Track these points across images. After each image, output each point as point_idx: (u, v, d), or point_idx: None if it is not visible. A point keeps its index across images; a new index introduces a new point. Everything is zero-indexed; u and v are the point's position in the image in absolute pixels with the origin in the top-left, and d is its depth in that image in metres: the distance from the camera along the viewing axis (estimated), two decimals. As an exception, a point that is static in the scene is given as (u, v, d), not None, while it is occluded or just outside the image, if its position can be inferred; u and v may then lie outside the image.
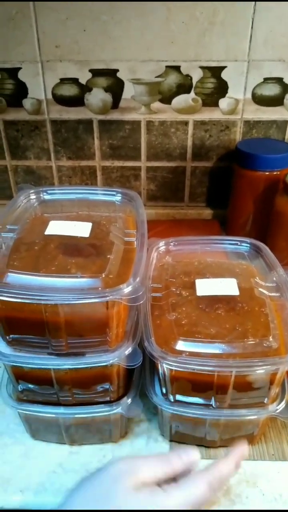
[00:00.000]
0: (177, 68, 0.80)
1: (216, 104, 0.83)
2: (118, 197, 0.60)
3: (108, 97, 0.83)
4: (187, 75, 0.81)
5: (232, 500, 0.49)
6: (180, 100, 0.83)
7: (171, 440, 0.55)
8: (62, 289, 0.44)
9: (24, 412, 0.52)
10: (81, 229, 0.51)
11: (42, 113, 0.85)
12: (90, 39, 0.77)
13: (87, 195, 0.61)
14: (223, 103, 0.83)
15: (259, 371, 0.46)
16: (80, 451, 0.54)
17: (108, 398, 0.51)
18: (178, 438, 0.54)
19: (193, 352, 0.46)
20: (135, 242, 0.51)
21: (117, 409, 0.50)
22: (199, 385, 0.48)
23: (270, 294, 0.53)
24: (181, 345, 0.47)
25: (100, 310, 0.45)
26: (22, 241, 0.50)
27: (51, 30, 0.77)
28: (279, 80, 0.81)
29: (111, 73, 0.81)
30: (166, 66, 0.80)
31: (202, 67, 0.80)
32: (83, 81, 0.82)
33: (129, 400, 0.51)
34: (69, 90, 0.83)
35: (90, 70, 0.81)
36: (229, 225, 0.88)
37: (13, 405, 0.51)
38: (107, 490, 0.39)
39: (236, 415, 0.49)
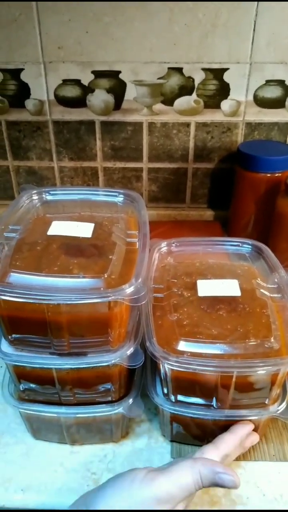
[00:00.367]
0: (179, 70, 0.80)
1: (218, 106, 0.84)
2: (120, 198, 0.60)
3: (110, 99, 0.83)
4: (189, 77, 0.81)
5: (233, 500, 0.49)
6: (182, 102, 0.83)
7: (172, 441, 0.55)
8: (64, 289, 0.44)
9: (26, 411, 0.52)
10: (84, 230, 0.52)
11: (44, 114, 0.85)
12: (93, 40, 0.78)
13: (89, 196, 0.61)
14: (225, 105, 0.83)
15: (260, 372, 0.46)
16: (81, 450, 0.54)
17: (109, 398, 0.51)
18: (179, 439, 0.54)
19: (194, 352, 0.47)
20: (137, 243, 0.52)
21: (119, 409, 0.50)
22: (201, 385, 0.48)
23: (271, 295, 0.53)
24: (182, 346, 0.47)
25: (102, 310, 0.45)
26: (25, 241, 0.50)
27: (54, 32, 0.77)
28: (281, 82, 0.81)
29: (114, 74, 0.81)
30: (169, 68, 0.80)
31: (204, 69, 0.80)
32: (85, 82, 0.82)
33: (131, 400, 0.51)
34: (72, 91, 0.83)
35: (93, 72, 0.81)
36: (230, 227, 0.88)
37: (14, 405, 0.51)
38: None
39: (237, 415, 0.49)
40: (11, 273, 0.45)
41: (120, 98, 0.83)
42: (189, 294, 0.53)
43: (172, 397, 0.50)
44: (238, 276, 0.56)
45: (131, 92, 0.83)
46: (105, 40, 0.78)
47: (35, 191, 0.60)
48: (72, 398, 0.51)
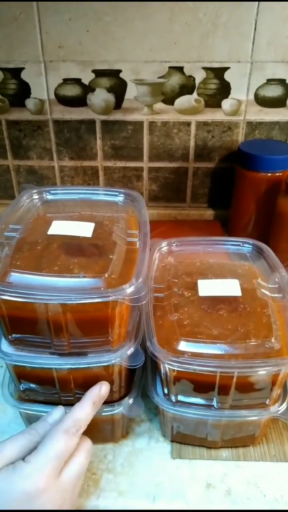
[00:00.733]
0: (180, 69, 0.80)
1: (218, 105, 0.83)
2: (120, 198, 0.60)
3: (110, 98, 0.83)
4: (190, 76, 0.81)
5: (233, 500, 0.49)
6: (183, 101, 0.83)
7: (172, 441, 0.55)
8: (65, 289, 0.44)
9: (26, 411, 0.52)
10: (84, 229, 0.51)
11: (45, 113, 0.85)
12: (94, 39, 0.78)
13: (90, 195, 0.61)
14: (226, 104, 0.83)
15: (261, 372, 0.46)
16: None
17: (109, 398, 0.51)
18: (179, 439, 0.54)
19: (195, 352, 0.46)
20: (138, 243, 0.51)
21: (119, 409, 0.50)
22: (201, 385, 0.48)
23: (272, 295, 0.53)
24: (183, 346, 0.47)
25: (103, 310, 0.45)
26: (25, 241, 0.50)
27: (54, 31, 0.77)
28: (282, 82, 0.81)
29: (114, 73, 0.81)
30: (169, 67, 0.80)
31: (205, 68, 0.80)
32: (86, 81, 0.82)
33: (131, 400, 0.51)
34: (72, 91, 0.83)
35: (93, 71, 0.81)
36: (231, 226, 0.88)
37: (14, 405, 0.51)
38: None
39: (237, 416, 0.49)
40: (12, 273, 0.45)
41: (120, 97, 0.83)
42: (189, 294, 0.53)
43: (173, 397, 0.50)
44: (239, 276, 0.56)
45: (131, 91, 0.82)
46: (105, 39, 0.78)
47: (35, 191, 0.60)
48: (72, 398, 0.50)
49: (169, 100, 0.83)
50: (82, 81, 0.82)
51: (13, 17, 0.76)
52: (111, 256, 0.48)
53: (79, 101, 0.84)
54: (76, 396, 0.50)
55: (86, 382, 0.49)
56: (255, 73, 0.80)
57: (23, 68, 0.81)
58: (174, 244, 0.62)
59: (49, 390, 0.50)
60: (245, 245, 0.61)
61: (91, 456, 0.46)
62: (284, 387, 0.51)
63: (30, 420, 0.53)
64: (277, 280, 0.54)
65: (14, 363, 0.48)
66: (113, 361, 0.47)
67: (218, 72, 0.80)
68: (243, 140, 0.87)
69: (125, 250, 0.50)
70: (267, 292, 0.53)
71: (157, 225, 0.88)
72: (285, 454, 0.53)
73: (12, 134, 0.88)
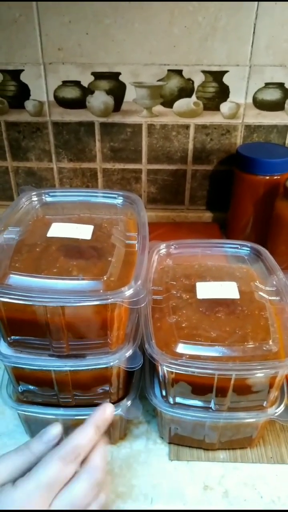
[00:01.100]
0: (179, 72, 0.80)
1: (217, 108, 0.84)
2: (119, 200, 0.60)
3: (110, 100, 0.83)
4: (189, 79, 0.81)
5: (231, 502, 0.49)
6: (182, 104, 0.83)
7: (170, 442, 0.55)
8: (64, 291, 0.44)
9: (24, 413, 0.52)
10: (83, 232, 0.52)
11: (44, 115, 0.85)
12: (93, 42, 0.78)
13: (89, 197, 0.62)
14: (224, 107, 0.84)
15: (259, 375, 0.46)
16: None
17: (108, 400, 0.51)
18: (177, 440, 0.54)
19: (193, 355, 0.47)
20: (136, 245, 0.52)
21: (117, 411, 0.50)
22: (199, 387, 0.48)
23: (270, 298, 0.53)
24: (181, 348, 0.47)
25: (101, 313, 0.45)
26: (24, 243, 0.50)
27: (54, 33, 0.77)
28: (280, 85, 0.81)
29: (114, 76, 0.81)
30: (168, 70, 0.80)
31: (204, 72, 0.80)
32: (85, 83, 0.82)
33: (129, 402, 0.51)
34: (71, 93, 0.83)
35: (93, 73, 0.81)
36: (229, 229, 0.89)
37: (13, 406, 0.51)
38: None
39: (235, 418, 0.50)
40: (11, 275, 0.45)
41: (119, 99, 0.83)
42: (188, 296, 0.53)
43: (171, 399, 0.50)
44: (237, 278, 0.56)
45: (130, 94, 0.83)
46: (105, 41, 0.78)
47: (34, 193, 0.60)
48: (70, 400, 0.51)
49: (168, 103, 0.84)
50: (82, 83, 0.82)
51: (13, 19, 0.76)
52: (110, 259, 0.48)
53: (78, 103, 0.84)
54: (75, 398, 0.50)
55: (84, 384, 0.50)
56: (253, 76, 0.80)
57: (22, 70, 0.81)
58: (173, 247, 0.62)
59: (47, 392, 0.50)
60: (243, 248, 0.62)
61: (98, 482, 0.39)
62: (281, 389, 0.51)
63: (28, 421, 0.53)
64: (274, 283, 0.55)
65: (13, 365, 0.48)
66: (111, 363, 0.47)
67: (217, 76, 0.81)
68: (242, 143, 0.87)
69: (124, 252, 0.50)
70: (264, 295, 0.53)
71: (155, 227, 0.88)
72: (282, 456, 0.53)
73: (11, 135, 0.88)
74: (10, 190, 0.94)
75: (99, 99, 0.83)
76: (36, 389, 0.51)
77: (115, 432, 0.54)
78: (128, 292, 0.44)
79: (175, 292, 0.54)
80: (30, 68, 0.81)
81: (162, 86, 0.82)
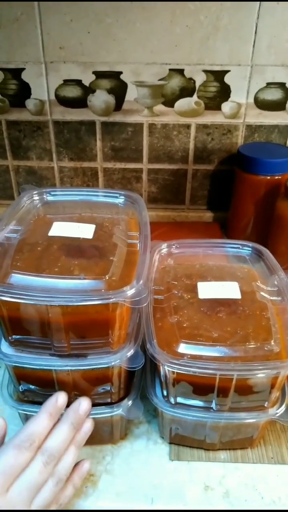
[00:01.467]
0: (180, 72, 0.80)
1: (218, 108, 0.84)
2: (121, 199, 0.60)
3: (111, 99, 0.83)
4: (190, 79, 0.81)
5: (231, 502, 0.49)
6: (183, 103, 0.83)
7: (170, 442, 0.55)
8: (65, 290, 0.44)
9: (25, 412, 0.52)
10: (85, 231, 0.52)
11: (45, 114, 0.85)
12: (95, 41, 0.78)
13: (90, 196, 0.61)
14: (226, 107, 0.83)
15: (260, 375, 0.46)
16: (80, 452, 0.54)
17: (109, 400, 0.51)
18: (178, 440, 0.54)
19: (194, 355, 0.47)
20: (138, 245, 0.52)
21: (118, 411, 0.50)
22: (200, 388, 0.48)
23: (271, 298, 0.53)
24: (183, 348, 0.47)
25: (103, 312, 0.45)
26: (26, 242, 0.50)
27: (55, 32, 0.77)
28: (281, 85, 0.81)
29: (115, 75, 0.81)
30: (170, 69, 0.80)
31: (205, 71, 0.80)
32: (86, 82, 0.82)
33: (130, 402, 0.51)
34: (72, 92, 0.83)
35: (94, 72, 0.81)
36: (230, 228, 0.88)
37: (13, 406, 0.51)
38: None
39: (236, 418, 0.50)
40: (12, 274, 0.45)
41: (121, 99, 0.83)
42: (189, 296, 0.53)
43: (172, 399, 0.50)
44: (238, 278, 0.56)
45: (132, 93, 0.83)
46: (106, 41, 0.78)
47: (35, 192, 0.60)
48: (71, 399, 0.50)
49: (169, 102, 0.83)
50: (83, 82, 0.82)
51: (14, 18, 0.76)
52: (111, 258, 0.48)
53: (80, 102, 0.84)
54: (76, 397, 0.50)
55: (85, 384, 0.50)
56: (255, 76, 0.80)
57: (23, 69, 0.81)
58: (174, 246, 0.62)
59: (48, 392, 0.50)
60: (244, 248, 0.62)
61: (54, 466, 0.42)
62: (282, 389, 0.51)
63: (29, 421, 0.53)
64: (276, 283, 0.55)
65: (14, 364, 0.48)
66: (112, 363, 0.47)
67: (218, 75, 0.81)
68: (243, 143, 0.87)
69: (125, 252, 0.50)
70: (266, 295, 0.53)
71: (156, 226, 0.87)
72: (283, 457, 0.53)
73: (12, 134, 0.88)
74: (10, 189, 0.94)
75: (100, 98, 0.83)
76: (37, 389, 0.51)
77: (116, 432, 0.54)
78: (130, 291, 0.44)
79: (176, 292, 0.54)
80: (31, 67, 0.81)
81: (164, 85, 0.82)
